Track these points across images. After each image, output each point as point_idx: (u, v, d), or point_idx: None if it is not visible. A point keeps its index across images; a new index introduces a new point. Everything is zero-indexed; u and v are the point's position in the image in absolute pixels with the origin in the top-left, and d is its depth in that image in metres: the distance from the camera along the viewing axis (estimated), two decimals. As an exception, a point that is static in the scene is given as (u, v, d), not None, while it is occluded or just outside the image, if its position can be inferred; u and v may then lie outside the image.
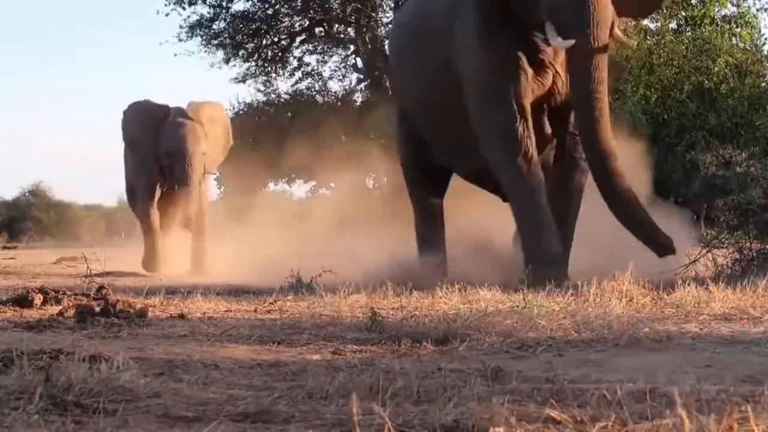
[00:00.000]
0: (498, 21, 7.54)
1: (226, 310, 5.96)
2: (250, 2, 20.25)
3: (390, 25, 19.74)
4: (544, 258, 7.33)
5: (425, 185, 9.14)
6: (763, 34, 19.04)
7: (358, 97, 21.74)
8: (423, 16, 8.69)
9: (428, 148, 8.97)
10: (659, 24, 17.26)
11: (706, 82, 16.01)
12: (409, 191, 9.35)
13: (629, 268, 6.09)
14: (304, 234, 11.97)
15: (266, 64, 20.85)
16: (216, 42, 20.17)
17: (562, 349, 3.99)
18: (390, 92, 10.30)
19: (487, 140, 7.86)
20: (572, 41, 7.00)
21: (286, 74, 21.27)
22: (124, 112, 12.31)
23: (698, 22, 17.10)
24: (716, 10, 17.35)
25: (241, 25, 20.24)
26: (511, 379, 3.15)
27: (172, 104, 12.11)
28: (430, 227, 8.94)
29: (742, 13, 17.56)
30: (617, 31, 7.23)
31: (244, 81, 20.96)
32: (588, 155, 7.32)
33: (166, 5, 20.06)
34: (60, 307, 5.74)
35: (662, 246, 6.95)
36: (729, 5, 17.57)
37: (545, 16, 7.18)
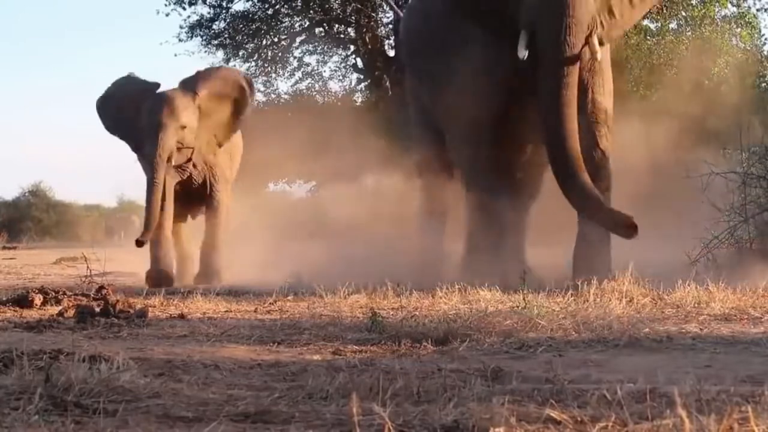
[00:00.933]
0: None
1: (226, 311, 5.96)
2: (250, 2, 20.27)
3: (390, 25, 19.74)
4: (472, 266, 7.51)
5: (439, 180, 9.19)
6: (763, 35, 19.04)
7: (358, 97, 21.74)
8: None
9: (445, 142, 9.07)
10: (659, 24, 17.26)
11: (706, 82, 16.01)
12: (421, 185, 9.38)
13: (629, 268, 6.09)
14: (303, 234, 11.95)
15: (266, 64, 20.84)
16: (216, 42, 20.17)
17: (562, 349, 3.99)
18: (407, 84, 10.26)
19: (452, 134, 8.02)
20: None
21: (286, 74, 21.28)
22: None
23: (698, 22, 17.08)
24: (716, 10, 17.33)
25: (241, 25, 20.24)
26: (511, 379, 3.15)
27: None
28: (435, 223, 9.01)
29: (742, 13, 17.54)
30: (593, 39, 7.27)
31: (243, 81, 20.96)
32: (551, 153, 7.27)
33: (166, 5, 20.07)
34: (60, 307, 5.75)
35: (627, 228, 6.93)
36: (729, 5, 17.56)
37: (521, 24, 7.21)
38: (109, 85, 10.36)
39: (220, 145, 10.18)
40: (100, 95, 10.34)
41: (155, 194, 9.26)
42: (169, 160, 9.38)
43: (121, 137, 10.20)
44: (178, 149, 9.53)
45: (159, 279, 9.21)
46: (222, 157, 10.35)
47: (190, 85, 9.84)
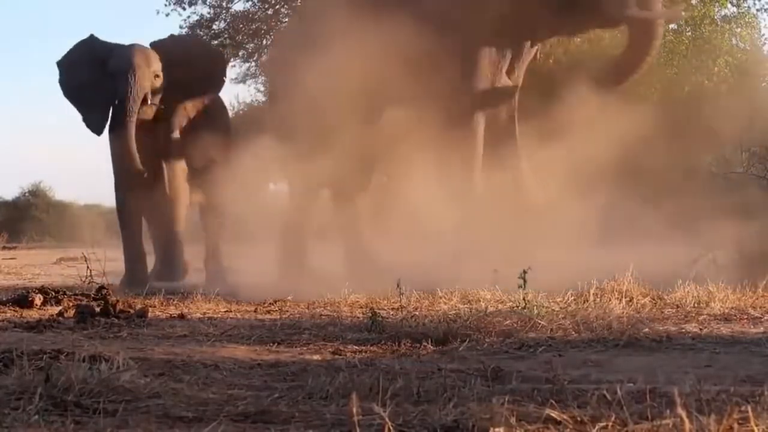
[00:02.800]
0: None
1: (226, 311, 5.96)
2: (250, 2, 20.25)
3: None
4: None
5: None
6: (763, 34, 19.05)
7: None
8: None
9: None
10: (659, 24, 17.24)
11: (706, 82, 16.01)
12: None
13: (629, 268, 6.08)
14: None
15: (266, 64, 20.84)
16: (216, 42, 20.15)
17: (562, 349, 3.99)
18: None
19: None
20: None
21: (286, 74, 21.25)
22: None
23: (698, 22, 17.07)
24: (716, 10, 17.31)
25: (241, 25, 20.21)
26: (511, 379, 3.15)
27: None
28: None
29: (742, 13, 17.52)
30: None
31: (244, 81, 20.93)
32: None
33: (166, 5, 20.01)
34: (60, 308, 5.75)
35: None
36: (729, 5, 17.54)
37: None
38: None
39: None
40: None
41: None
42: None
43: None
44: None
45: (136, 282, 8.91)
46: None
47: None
